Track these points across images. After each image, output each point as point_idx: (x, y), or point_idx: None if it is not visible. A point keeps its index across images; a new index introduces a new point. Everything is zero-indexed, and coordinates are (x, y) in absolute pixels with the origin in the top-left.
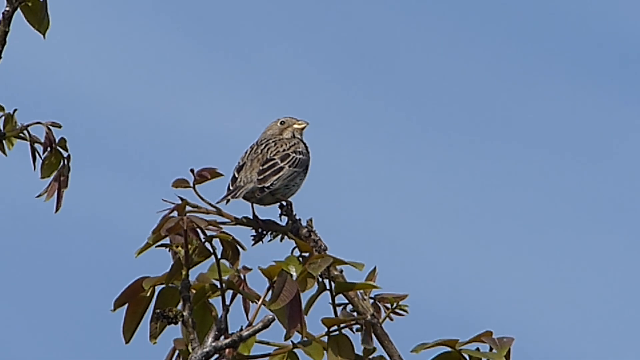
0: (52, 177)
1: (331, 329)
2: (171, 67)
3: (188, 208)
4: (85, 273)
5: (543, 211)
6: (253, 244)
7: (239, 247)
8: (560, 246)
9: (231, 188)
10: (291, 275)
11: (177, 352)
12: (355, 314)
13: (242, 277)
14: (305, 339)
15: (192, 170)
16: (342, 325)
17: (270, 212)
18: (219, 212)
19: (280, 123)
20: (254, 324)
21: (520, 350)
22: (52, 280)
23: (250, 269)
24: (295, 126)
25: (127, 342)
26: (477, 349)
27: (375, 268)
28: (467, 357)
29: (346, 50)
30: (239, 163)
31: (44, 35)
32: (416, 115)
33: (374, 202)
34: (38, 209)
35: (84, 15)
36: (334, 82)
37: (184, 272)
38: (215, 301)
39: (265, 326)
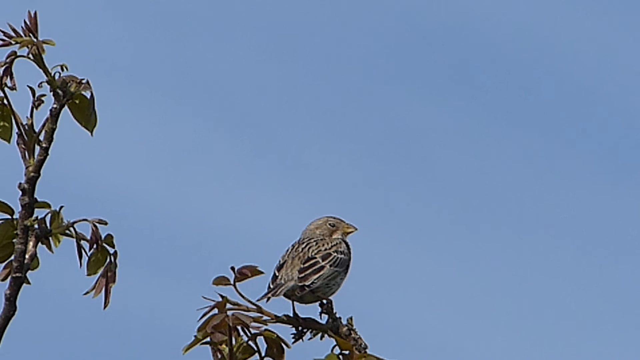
0: (98, 273)
1: None
2: (213, 167)
3: (228, 305)
4: None
5: (591, 310)
6: (293, 342)
7: (283, 345)
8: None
9: (271, 286)
10: None
11: None
12: None
13: None
14: None
15: (232, 268)
16: None
17: (311, 311)
18: (260, 310)
19: (330, 225)
20: None
21: None
22: None
23: None
24: (345, 229)
25: None
26: None
27: None
28: None
29: (385, 151)
30: (279, 261)
31: (91, 132)
32: (459, 215)
33: (413, 302)
34: (84, 305)
35: (128, 113)
36: (374, 181)
37: None
38: None
39: None
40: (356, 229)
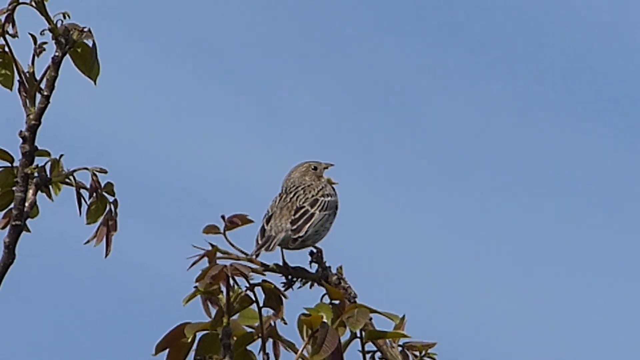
0: (98, 222)
1: None
2: (208, 117)
3: (218, 255)
4: (126, 317)
5: (578, 259)
6: (283, 291)
7: (281, 296)
8: (599, 297)
9: (259, 241)
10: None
11: None
12: None
13: (273, 324)
14: None
15: (222, 217)
16: None
17: (300, 259)
18: (249, 259)
19: (313, 169)
20: None
21: None
22: (96, 324)
23: (279, 317)
24: (325, 166)
25: None
26: None
27: (404, 316)
28: None
29: (368, 94)
30: (267, 212)
31: (94, 81)
32: (444, 159)
33: (401, 248)
34: (84, 254)
35: (127, 62)
36: (357, 125)
37: (225, 320)
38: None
39: None
40: (332, 165)
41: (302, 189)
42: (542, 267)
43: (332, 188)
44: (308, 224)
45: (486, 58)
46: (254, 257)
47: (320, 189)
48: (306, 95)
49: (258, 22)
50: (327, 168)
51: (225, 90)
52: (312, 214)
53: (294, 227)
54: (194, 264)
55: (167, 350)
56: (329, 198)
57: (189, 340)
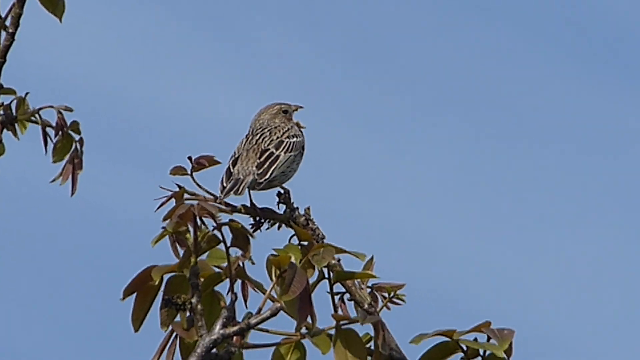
0: (64, 160)
1: (341, 323)
2: (176, 57)
3: (186, 195)
4: (93, 259)
5: (546, 204)
6: (252, 234)
7: (248, 236)
8: (564, 240)
9: (224, 183)
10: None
11: (174, 335)
12: (352, 303)
13: (241, 264)
14: (314, 330)
15: (189, 158)
16: (352, 322)
17: (268, 200)
18: (217, 200)
19: (284, 112)
20: (262, 312)
21: (521, 344)
22: (63, 267)
23: (247, 258)
24: (293, 108)
25: (136, 331)
26: (475, 339)
27: (372, 257)
28: (465, 348)
29: (345, 38)
30: (234, 154)
31: (60, 19)
32: (415, 103)
33: (370, 189)
34: (50, 192)
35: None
36: (331, 69)
37: (192, 260)
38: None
39: (273, 314)
40: (302, 107)
41: (268, 130)
42: (518, 208)
43: (299, 129)
44: (273, 167)
45: (461, 5)
46: (222, 198)
47: (286, 131)
48: (280, 37)
49: None
50: (296, 110)
51: (197, 31)
52: (277, 156)
53: (260, 170)
54: (161, 205)
55: (135, 294)
56: (295, 139)
57: (157, 282)
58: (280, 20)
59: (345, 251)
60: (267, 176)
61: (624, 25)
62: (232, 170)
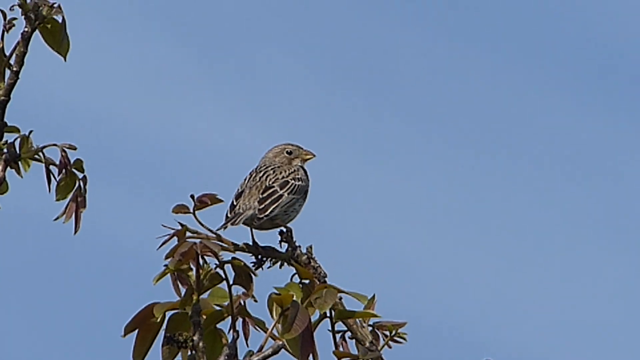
0: (68, 198)
1: None
2: (179, 88)
3: (188, 234)
4: (95, 295)
5: (552, 232)
6: (255, 272)
7: (251, 274)
8: (569, 268)
9: (229, 215)
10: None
11: None
12: (353, 341)
13: (243, 303)
14: None
15: (192, 196)
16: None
17: (270, 239)
18: (219, 238)
19: (287, 152)
20: (264, 350)
21: None
22: (65, 302)
23: (249, 296)
24: (303, 157)
25: None
26: None
27: (374, 296)
28: None
29: (344, 64)
30: (238, 190)
31: (64, 57)
32: (416, 133)
33: (372, 226)
34: (53, 229)
35: (95, 38)
36: (334, 97)
37: (194, 298)
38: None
39: (275, 352)
40: (314, 156)
41: (271, 169)
42: (520, 240)
43: (305, 173)
44: (275, 204)
45: (459, 37)
46: (221, 231)
47: (292, 172)
48: (285, 66)
49: None
50: (308, 157)
51: (199, 63)
52: (281, 195)
53: (261, 206)
54: (163, 243)
55: (137, 330)
56: (300, 182)
57: (159, 320)
58: (285, 52)
59: (346, 292)
60: (267, 212)
61: (612, 47)
62: (235, 203)
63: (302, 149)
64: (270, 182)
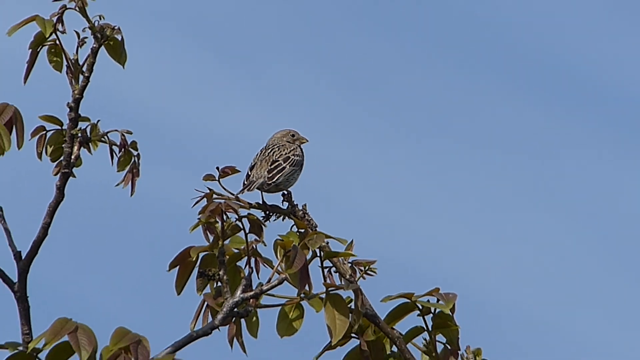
0: (126, 170)
1: (330, 290)
2: (209, 85)
3: (214, 196)
4: (147, 243)
5: (496, 191)
6: (263, 222)
7: (262, 225)
8: (508, 219)
9: (246, 182)
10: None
11: (206, 303)
12: (337, 275)
13: (255, 247)
14: (310, 294)
15: (217, 168)
16: (338, 289)
17: (275, 199)
18: (238, 199)
19: (292, 136)
20: (271, 281)
21: (464, 304)
22: (128, 248)
23: (260, 241)
24: (301, 140)
25: (178, 294)
26: (428, 301)
27: (352, 240)
28: (420, 307)
29: (339, 68)
30: (251, 163)
31: (123, 66)
32: (390, 122)
33: (353, 189)
34: (116, 193)
35: (146, 48)
36: (329, 94)
37: (220, 243)
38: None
39: (280, 283)
40: (308, 140)
41: (277, 147)
42: (473, 196)
43: (301, 151)
44: (280, 174)
45: (434, 43)
46: (240, 195)
47: (292, 150)
48: (290, 68)
49: (252, 7)
50: (304, 141)
51: (223, 68)
52: (284, 167)
53: (269, 175)
54: (196, 202)
55: (178, 267)
56: (298, 157)
57: (194, 259)
58: (294, 55)
59: (331, 237)
60: (274, 180)
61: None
62: (249, 173)
63: (299, 134)
64: (276, 157)
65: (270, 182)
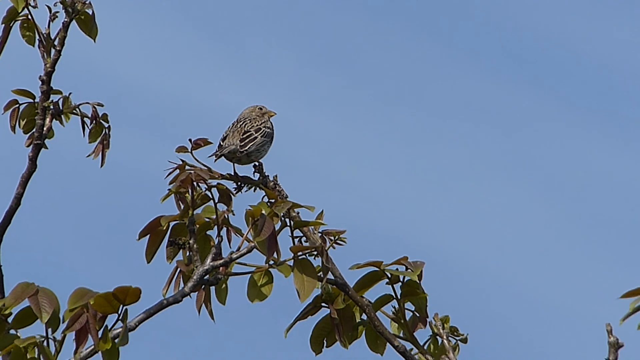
0: (97, 141)
1: (297, 254)
2: (185, 58)
3: (187, 167)
4: (117, 212)
5: (466, 161)
6: (235, 193)
7: (231, 195)
8: (471, 191)
9: (218, 151)
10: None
11: (178, 270)
12: (308, 244)
13: (226, 216)
14: (279, 262)
15: (190, 140)
16: (305, 252)
17: (246, 170)
18: (210, 170)
19: (259, 109)
20: (240, 250)
21: (431, 271)
22: (101, 218)
23: (229, 211)
24: (270, 114)
25: (148, 262)
26: (397, 269)
27: (322, 210)
28: (389, 275)
29: (315, 42)
30: (223, 135)
31: (94, 39)
32: (365, 93)
33: (324, 158)
34: (86, 164)
35: (118, 21)
36: (305, 68)
37: (190, 212)
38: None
39: (249, 251)
40: (275, 114)
41: (249, 120)
42: (444, 167)
43: (271, 124)
44: (251, 143)
45: (408, 17)
46: (212, 167)
47: (263, 122)
48: (271, 46)
49: None
50: (272, 115)
51: (200, 40)
52: (255, 137)
53: (242, 143)
54: (169, 174)
55: (148, 235)
56: (268, 129)
57: (164, 227)
58: (276, 33)
59: (299, 205)
60: (246, 148)
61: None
62: (221, 143)
63: (266, 107)
64: (248, 128)
65: (242, 150)
